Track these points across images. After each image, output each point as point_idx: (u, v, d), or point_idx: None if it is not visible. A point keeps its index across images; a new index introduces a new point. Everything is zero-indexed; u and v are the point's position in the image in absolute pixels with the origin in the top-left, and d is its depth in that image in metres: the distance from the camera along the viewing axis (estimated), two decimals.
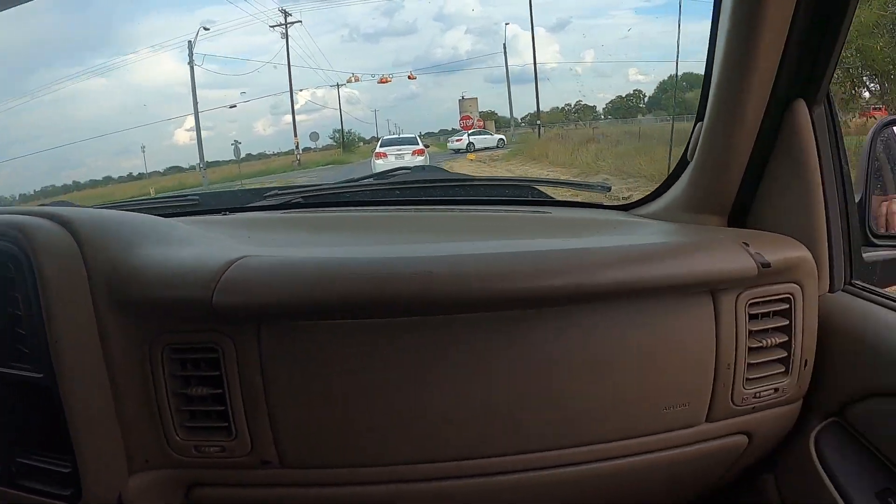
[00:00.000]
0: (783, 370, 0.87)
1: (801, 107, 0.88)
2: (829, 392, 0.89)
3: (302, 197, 1.21)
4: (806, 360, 0.88)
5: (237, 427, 0.77)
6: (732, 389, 0.85)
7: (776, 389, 0.87)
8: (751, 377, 0.86)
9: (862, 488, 0.80)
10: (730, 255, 0.82)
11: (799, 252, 0.86)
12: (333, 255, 0.82)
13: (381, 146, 11.41)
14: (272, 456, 0.78)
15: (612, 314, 0.80)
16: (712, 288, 0.83)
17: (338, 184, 1.30)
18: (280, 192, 1.22)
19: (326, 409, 0.77)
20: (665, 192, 1.07)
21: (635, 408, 0.83)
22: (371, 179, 1.31)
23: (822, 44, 0.83)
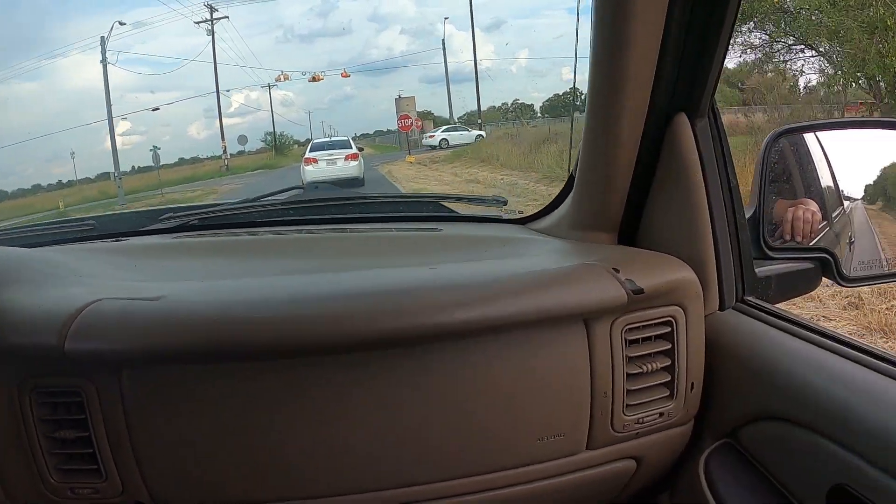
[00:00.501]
0: (668, 394, 0.87)
1: (683, 120, 0.87)
2: (721, 414, 0.89)
3: (197, 219, 1.22)
4: (692, 383, 0.87)
5: (106, 469, 0.78)
6: (612, 417, 0.85)
7: (661, 414, 0.87)
8: (632, 403, 0.85)
9: None
10: (599, 283, 0.81)
11: (680, 273, 0.86)
12: (197, 291, 0.85)
13: (310, 151, 11.02)
14: (144, 497, 0.79)
15: (475, 349, 0.80)
16: (585, 316, 0.82)
17: (234, 204, 1.32)
18: (175, 213, 1.23)
19: (191, 450, 0.78)
20: (558, 206, 1.07)
21: (508, 439, 0.83)
22: (269, 199, 1.35)
23: (702, 55, 0.83)
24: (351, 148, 10.63)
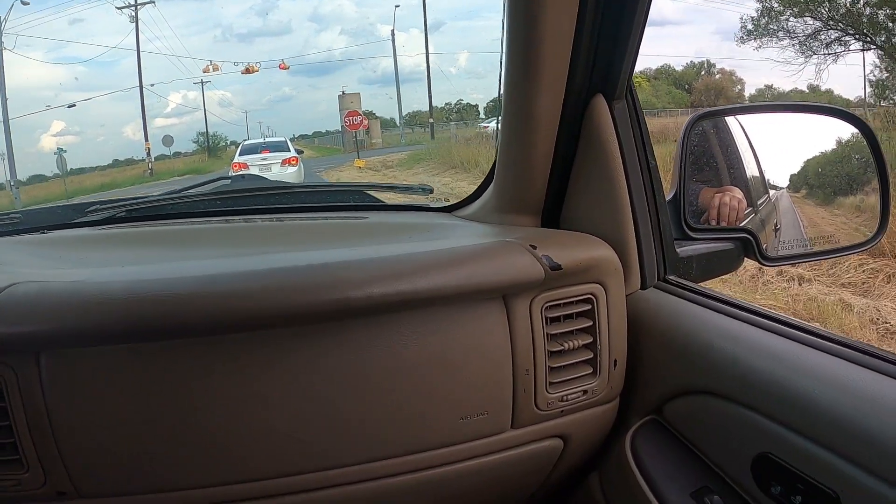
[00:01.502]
0: (591, 371, 0.90)
1: (601, 102, 0.91)
2: (646, 390, 0.93)
3: (125, 211, 1.22)
4: (615, 360, 0.91)
5: (27, 459, 0.77)
6: (535, 395, 0.87)
7: (585, 391, 0.90)
8: (554, 381, 0.88)
9: (678, 487, 0.84)
10: (515, 258, 0.83)
11: (600, 251, 0.90)
12: (116, 274, 0.84)
13: (240, 154, 10.06)
14: (67, 487, 0.78)
15: (393, 325, 0.81)
16: (504, 293, 0.84)
17: (161, 195, 1.32)
18: (102, 206, 1.24)
19: (115, 436, 0.78)
20: (482, 194, 1.10)
21: (431, 419, 0.84)
22: (195, 190, 1.34)
23: (618, 37, 0.87)
24: (289, 150, 9.75)
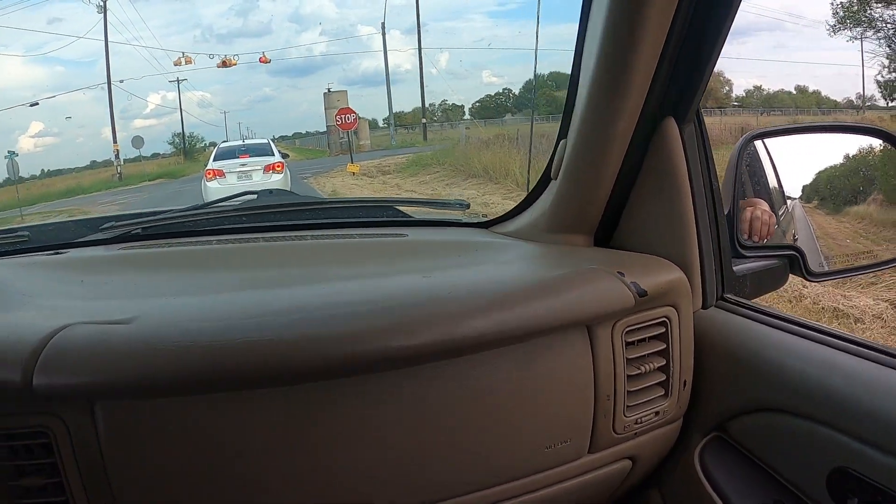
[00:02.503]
0: (663, 393, 0.93)
1: (672, 125, 0.95)
2: (710, 408, 0.96)
3: (141, 228, 1.19)
4: (685, 381, 0.95)
5: None
6: (614, 419, 0.90)
7: (657, 413, 0.93)
8: (631, 404, 0.91)
9: (749, 500, 0.87)
10: (606, 287, 0.86)
11: (673, 274, 0.93)
12: (167, 311, 0.81)
13: (214, 159, 8.65)
14: None
15: (482, 360, 0.82)
16: (589, 322, 0.87)
17: (180, 211, 1.27)
18: (117, 223, 1.20)
19: (173, 490, 0.75)
20: (527, 208, 1.12)
21: (516, 450, 0.86)
22: (217, 206, 1.31)
23: (696, 62, 0.90)
24: (272, 155, 8.82)
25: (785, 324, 0.92)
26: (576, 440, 0.89)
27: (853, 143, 1.31)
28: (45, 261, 1.05)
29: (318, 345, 0.73)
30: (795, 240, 1.29)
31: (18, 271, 1.00)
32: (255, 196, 1.48)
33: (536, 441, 0.87)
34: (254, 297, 0.88)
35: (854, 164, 1.32)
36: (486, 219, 1.27)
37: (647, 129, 0.95)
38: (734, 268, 1.06)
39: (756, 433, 0.90)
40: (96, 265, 1.05)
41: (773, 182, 1.29)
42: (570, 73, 0.97)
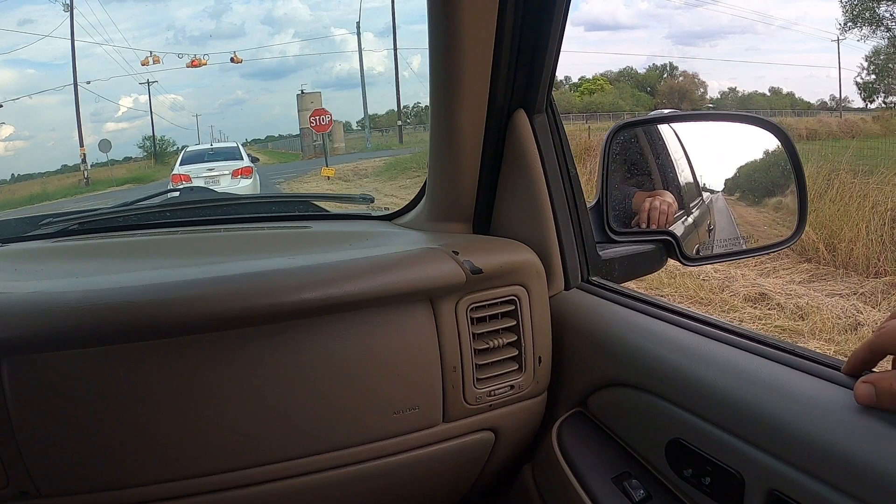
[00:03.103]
0: (516, 368, 1.00)
1: (522, 116, 1.01)
2: (571, 385, 1.03)
3: (78, 224, 1.29)
4: (540, 357, 1.01)
5: None
6: (464, 390, 0.96)
7: (512, 386, 0.99)
8: (482, 377, 0.97)
9: (601, 473, 0.92)
10: (439, 264, 0.92)
11: (521, 255, 0.99)
12: (74, 283, 0.90)
13: (181, 164, 8.76)
14: (29, 487, 0.83)
15: (326, 328, 0.89)
16: (429, 296, 0.93)
17: (112, 208, 1.42)
18: (55, 219, 1.31)
19: (73, 437, 0.83)
20: (419, 202, 1.19)
21: (365, 414, 0.92)
22: (144, 203, 1.45)
23: (535, 56, 0.97)
24: (241, 159, 8.83)
25: (638, 303, 0.98)
26: (425, 408, 0.95)
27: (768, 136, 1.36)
28: None
29: (170, 307, 0.82)
30: (711, 230, 1.36)
31: None
32: (178, 194, 1.67)
33: (384, 406, 0.93)
34: (149, 275, 0.96)
35: (774, 158, 1.39)
36: (388, 211, 1.35)
37: (499, 121, 1.02)
38: (602, 252, 1.11)
39: (609, 407, 0.96)
40: (33, 256, 1.15)
41: (688, 177, 1.36)
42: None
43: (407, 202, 1.29)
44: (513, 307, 0.99)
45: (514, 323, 0.99)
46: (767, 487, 0.68)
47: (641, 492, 0.86)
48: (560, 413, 1.04)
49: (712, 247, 1.35)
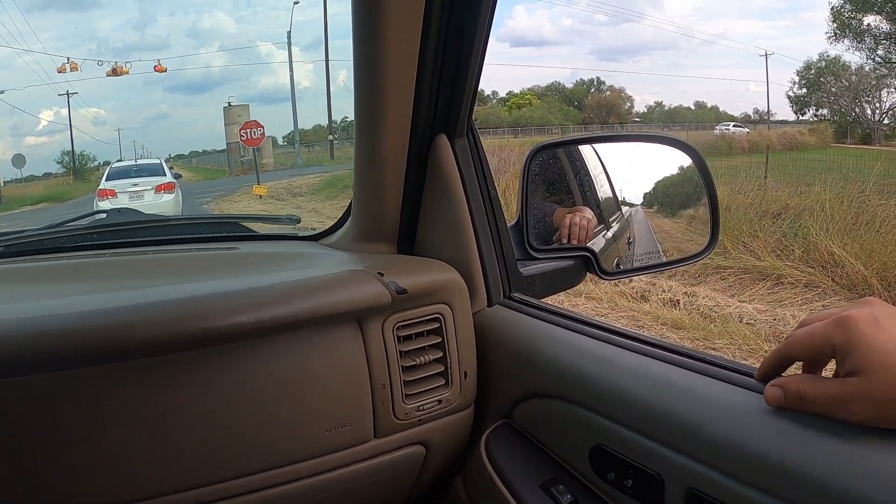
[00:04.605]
0: (443, 383, 1.04)
1: (443, 141, 1.07)
2: (497, 397, 1.07)
3: (3, 246, 1.29)
4: (465, 372, 1.05)
5: None
6: (393, 406, 1.00)
7: (440, 401, 1.04)
8: (410, 393, 1.01)
9: (529, 481, 0.97)
10: (365, 286, 0.96)
11: (444, 274, 1.04)
12: (15, 312, 0.88)
13: (107, 179, 9.20)
14: None
15: (263, 349, 0.92)
16: (357, 316, 0.97)
17: (38, 230, 1.40)
18: None
19: (17, 463, 0.83)
20: (346, 221, 1.23)
21: (297, 433, 0.95)
22: (72, 224, 1.46)
23: (456, 82, 1.02)
24: (164, 175, 9.14)
25: (556, 318, 1.04)
26: (356, 425, 0.99)
27: (671, 152, 1.46)
28: None
29: (104, 333, 0.83)
30: (630, 242, 1.44)
31: None
32: (105, 215, 1.63)
33: (316, 425, 0.96)
34: (80, 300, 0.96)
35: (688, 174, 1.49)
36: (315, 232, 1.38)
37: (423, 146, 1.07)
38: (523, 269, 1.17)
39: (534, 418, 1.01)
40: None
41: (607, 193, 1.44)
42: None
43: (261, 214, 1.32)
44: (438, 324, 1.03)
45: (440, 340, 1.03)
46: (685, 486, 0.73)
47: (568, 496, 0.91)
48: (487, 425, 1.08)
49: (633, 260, 1.44)
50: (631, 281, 5.73)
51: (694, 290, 5.67)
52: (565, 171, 1.40)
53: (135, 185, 8.43)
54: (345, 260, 1.15)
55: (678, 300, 5.43)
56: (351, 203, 1.21)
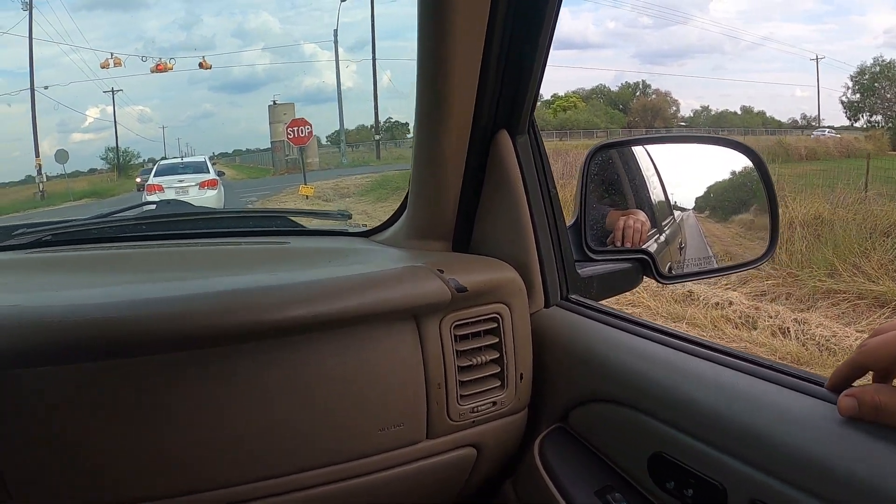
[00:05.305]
0: (499, 384, 1.03)
1: (505, 137, 1.05)
2: (553, 401, 1.06)
3: (52, 235, 1.29)
4: (522, 374, 1.04)
5: None
6: (448, 407, 0.99)
7: (495, 403, 1.02)
8: (465, 394, 1.00)
9: (583, 487, 0.95)
10: (424, 282, 0.95)
11: (503, 273, 1.03)
12: (55, 297, 0.90)
13: (155, 175, 9.74)
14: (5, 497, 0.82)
15: (317, 344, 0.91)
16: (415, 313, 0.96)
17: (88, 220, 1.41)
18: (28, 230, 1.30)
19: (55, 454, 0.83)
20: (398, 219, 1.22)
21: (350, 432, 0.95)
22: (121, 215, 1.45)
23: (520, 78, 1.00)
24: (207, 172, 9.59)
25: (617, 321, 1.01)
26: (410, 425, 0.98)
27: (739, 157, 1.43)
28: None
29: (156, 323, 0.83)
30: (682, 248, 1.42)
31: None
32: (154, 207, 1.66)
33: (370, 423, 0.95)
34: (132, 288, 0.97)
35: (741, 179, 1.46)
36: (366, 228, 1.38)
37: (484, 142, 1.06)
38: (581, 270, 1.15)
39: (591, 423, 0.99)
40: (6, 267, 1.15)
41: (660, 196, 1.42)
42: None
43: (312, 209, 1.31)
44: (495, 324, 1.02)
45: (497, 340, 1.02)
46: (749, 497, 0.71)
47: None
48: (541, 429, 1.07)
49: (685, 265, 1.41)
50: (731, 304, 5.48)
51: (804, 316, 5.27)
52: (620, 173, 1.38)
53: (180, 181, 8.83)
54: (399, 256, 1.15)
55: (787, 327, 5.11)
56: (404, 200, 1.21)
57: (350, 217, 1.52)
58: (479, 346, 1.01)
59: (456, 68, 0.97)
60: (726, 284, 5.53)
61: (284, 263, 1.17)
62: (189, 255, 1.27)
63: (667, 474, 0.84)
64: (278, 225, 1.52)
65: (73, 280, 1.07)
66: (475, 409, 1.01)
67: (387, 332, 0.95)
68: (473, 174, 1.09)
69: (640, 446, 0.88)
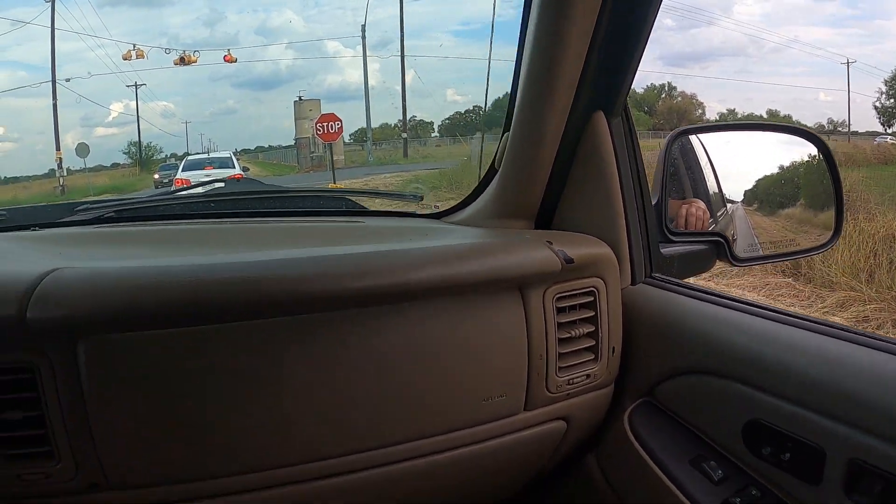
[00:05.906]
0: (593, 357, 1.06)
1: (601, 118, 1.09)
2: (639, 374, 1.09)
3: (114, 211, 1.30)
4: (613, 347, 1.07)
5: (60, 451, 0.79)
6: (547, 378, 1.01)
7: (588, 375, 1.05)
8: (563, 366, 1.02)
9: (677, 457, 0.98)
10: (535, 252, 0.98)
11: (600, 249, 1.06)
12: (147, 262, 0.89)
13: (183, 170, 9.68)
14: (99, 478, 0.82)
15: (425, 312, 0.93)
16: (520, 284, 0.98)
17: (150, 197, 1.42)
18: (91, 206, 1.31)
19: (149, 426, 0.82)
20: (475, 199, 1.25)
21: (456, 401, 0.96)
22: (186, 192, 1.47)
23: (621, 60, 1.04)
24: (234, 167, 9.61)
25: (704, 294, 1.05)
26: (511, 396, 1.00)
27: (786, 142, 1.47)
28: (23, 236, 1.14)
29: (282, 283, 0.83)
30: (735, 239, 1.46)
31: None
32: (223, 184, 1.61)
33: (475, 392, 0.97)
34: (226, 257, 0.98)
35: (788, 174, 1.51)
36: (438, 210, 1.40)
37: (579, 122, 1.09)
38: (662, 250, 1.20)
39: (680, 395, 1.03)
40: (74, 240, 1.15)
41: (713, 187, 1.46)
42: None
43: (383, 189, 1.31)
44: (592, 298, 1.05)
45: (593, 314, 1.05)
46: (848, 457, 0.74)
47: (720, 472, 0.93)
48: (626, 403, 1.10)
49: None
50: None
51: None
52: (678, 163, 1.43)
53: (207, 175, 8.93)
54: (483, 234, 1.17)
55: None
56: (480, 183, 1.24)
57: (422, 199, 1.52)
58: (576, 318, 1.04)
59: (569, 46, 0.99)
60: (824, 307, 5.22)
61: (362, 241, 1.16)
62: (260, 232, 1.26)
63: (763, 440, 0.87)
64: (347, 205, 1.54)
65: (152, 252, 1.07)
66: (571, 382, 1.04)
67: (493, 302, 0.97)
68: (565, 154, 1.12)
69: (734, 415, 0.91)
